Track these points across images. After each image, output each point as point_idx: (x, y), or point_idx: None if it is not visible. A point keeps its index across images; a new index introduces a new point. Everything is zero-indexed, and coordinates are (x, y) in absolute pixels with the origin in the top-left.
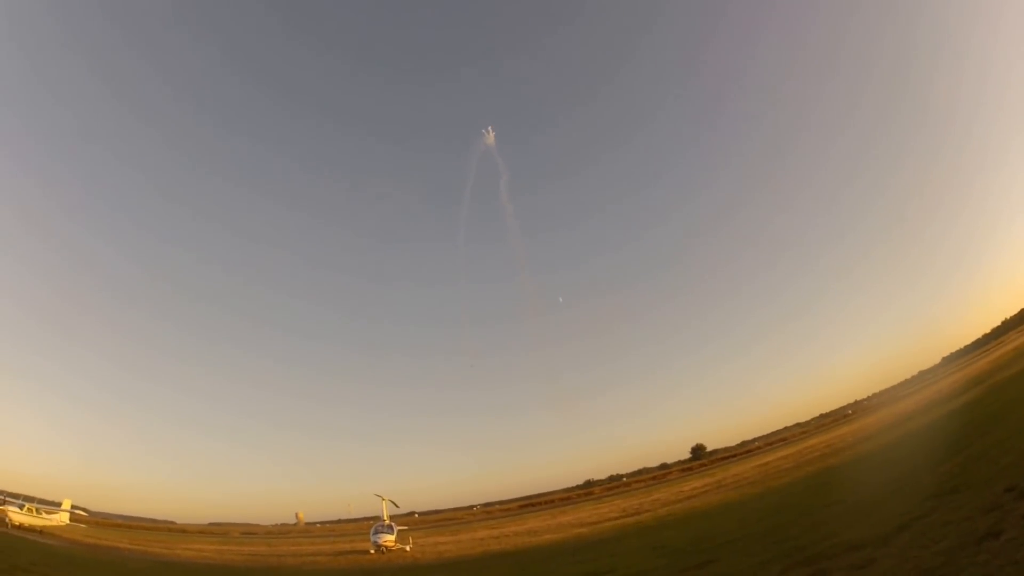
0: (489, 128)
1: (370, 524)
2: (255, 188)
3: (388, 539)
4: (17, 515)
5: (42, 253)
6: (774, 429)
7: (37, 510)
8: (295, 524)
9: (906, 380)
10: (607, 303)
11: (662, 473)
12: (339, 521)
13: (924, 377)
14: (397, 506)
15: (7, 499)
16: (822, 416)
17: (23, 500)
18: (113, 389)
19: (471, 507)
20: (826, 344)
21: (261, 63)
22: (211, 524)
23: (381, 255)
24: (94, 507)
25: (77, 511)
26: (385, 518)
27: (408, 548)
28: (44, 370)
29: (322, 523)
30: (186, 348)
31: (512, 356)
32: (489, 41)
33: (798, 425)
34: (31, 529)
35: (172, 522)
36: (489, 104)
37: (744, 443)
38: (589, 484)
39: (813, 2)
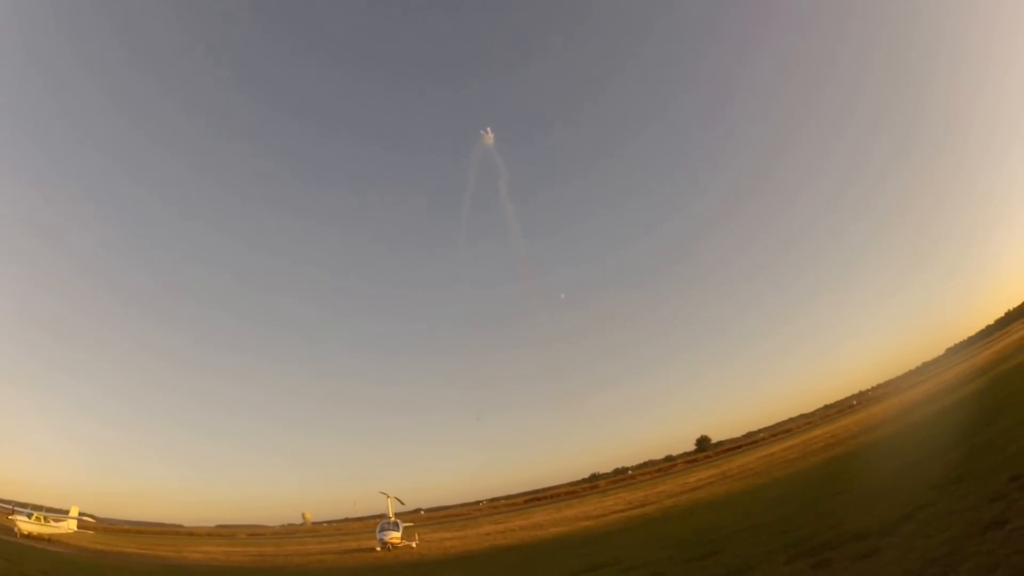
0: (487, 129)
1: (376, 522)
2: (258, 195)
3: (394, 536)
4: (26, 524)
5: (43, 258)
6: (779, 420)
7: (45, 518)
8: (302, 524)
9: (910, 371)
10: (610, 300)
11: (667, 465)
12: (345, 520)
13: (928, 368)
14: (403, 504)
15: (16, 509)
16: (827, 407)
17: (31, 509)
18: (118, 395)
19: (477, 502)
20: (831, 336)
21: (260, 70)
22: (219, 526)
23: (384, 258)
24: (102, 513)
25: (85, 518)
26: (391, 515)
27: (414, 545)
28: (48, 378)
29: (328, 522)
30: (190, 352)
31: (517, 354)
32: (487, 45)
33: (802, 416)
34: (40, 538)
35: (180, 526)
36: (488, 108)
37: (749, 434)
38: (595, 477)
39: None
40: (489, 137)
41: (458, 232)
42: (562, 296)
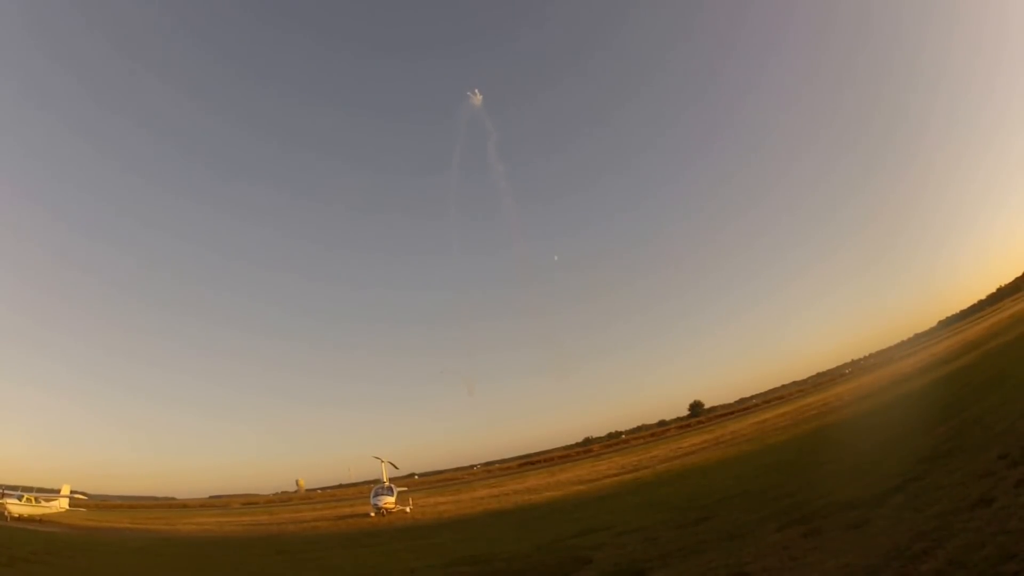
0: (475, 90)
1: (370, 487)
2: (234, 164)
3: (388, 501)
4: (16, 507)
5: (14, 245)
6: (771, 387)
7: (36, 499)
8: (296, 491)
9: (902, 342)
10: (605, 267)
11: (661, 430)
12: (340, 486)
13: (920, 340)
14: (396, 468)
15: (6, 492)
16: (819, 375)
17: (21, 491)
18: (108, 371)
19: (471, 467)
20: (825, 304)
21: (232, 36)
22: (212, 497)
23: (372, 226)
24: (94, 490)
25: (77, 495)
26: (385, 480)
27: (408, 510)
28: (34, 362)
29: (323, 489)
30: (177, 327)
31: (510, 319)
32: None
33: (795, 383)
34: (31, 519)
35: (173, 498)
36: (477, 70)
37: (742, 400)
38: (588, 441)
39: None
40: (477, 98)
41: (446, 198)
42: (555, 258)
